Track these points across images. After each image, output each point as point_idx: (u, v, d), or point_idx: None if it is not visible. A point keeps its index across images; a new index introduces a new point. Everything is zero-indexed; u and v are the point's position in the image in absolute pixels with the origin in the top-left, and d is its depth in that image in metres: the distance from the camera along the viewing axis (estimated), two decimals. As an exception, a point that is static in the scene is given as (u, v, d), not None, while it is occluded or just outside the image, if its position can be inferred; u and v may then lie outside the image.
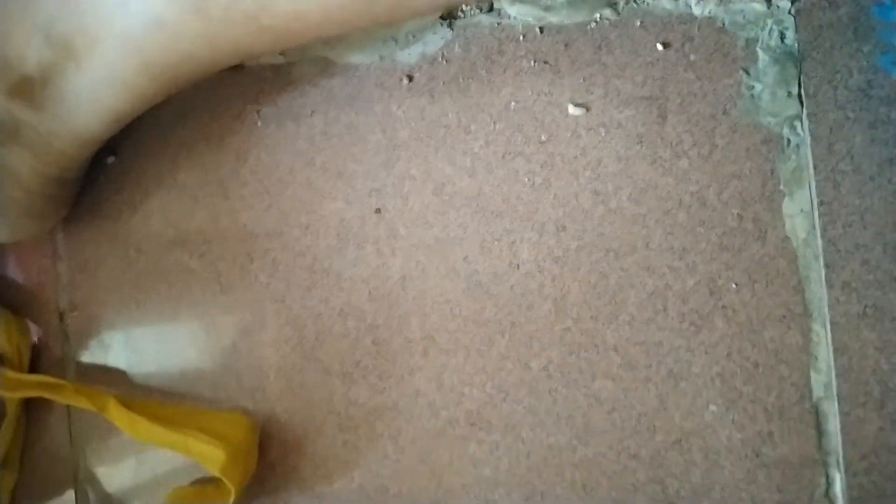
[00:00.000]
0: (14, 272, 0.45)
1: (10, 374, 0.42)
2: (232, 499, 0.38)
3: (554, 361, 0.35)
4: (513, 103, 0.35)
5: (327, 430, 0.39)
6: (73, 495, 0.44)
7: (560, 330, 0.35)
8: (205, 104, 0.40)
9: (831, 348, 0.31)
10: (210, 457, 0.38)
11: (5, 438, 0.44)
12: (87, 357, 0.43)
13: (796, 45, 0.31)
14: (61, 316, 0.44)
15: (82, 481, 0.44)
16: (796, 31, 0.31)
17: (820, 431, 0.32)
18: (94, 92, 0.33)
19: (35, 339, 0.44)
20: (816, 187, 0.31)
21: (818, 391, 0.32)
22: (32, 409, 0.44)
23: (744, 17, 0.32)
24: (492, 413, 0.36)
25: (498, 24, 0.35)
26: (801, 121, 0.31)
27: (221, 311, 0.40)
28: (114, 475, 0.43)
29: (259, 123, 0.39)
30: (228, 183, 0.40)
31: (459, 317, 0.36)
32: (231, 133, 0.39)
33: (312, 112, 0.38)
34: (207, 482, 0.41)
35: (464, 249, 0.36)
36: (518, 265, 0.35)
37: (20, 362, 0.44)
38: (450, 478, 0.37)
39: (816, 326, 0.32)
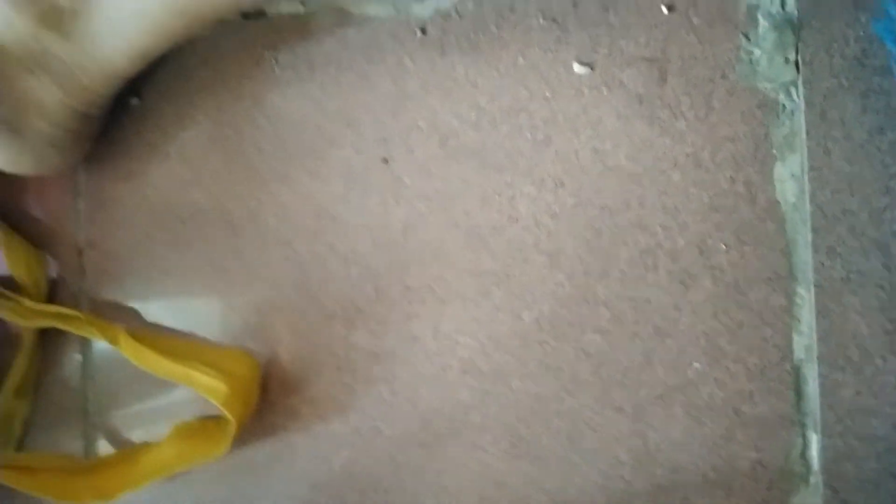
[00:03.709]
0: (36, 207, 0.50)
1: (29, 303, 0.48)
2: (233, 432, 0.42)
3: (545, 314, 0.39)
4: (520, 59, 0.39)
5: (326, 372, 0.44)
6: (83, 425, 0.49)
7: (553, 284, 0.39)
8: (226, 50, 0.45)
9: (814, 311, 0.35)
10: (213, 389, 0.43)
11: (21, 368, 0.50)
12: (101, 292, 0.49)
13: (796, 12, 0.35)
14: (79, 251, 0.50)
15: (91, 413, 0.49)
16: (797, -2, 0.35)
17: (799, 393, 0.36)
18: (122, 26, 0.39)
19: (53, 273, 0.50)
20: (808, 153, 0.35)
21: (799, 353, 0.36)
22: (47, 341, 0.50)
23: (747, -18, 0.36)
24: (483, 362, 0.40)
25: (509, -19, 0.39)
26: (797, 87, 0.35)
27: (230, 251, 0.45)
28: (121, 407, 0.48)
29: (276, 70, 0.44)
30: (243, 126, 0.45)
31: (457, 267, 0.41)
32: (249, 78, 0.44)
33: (327, 61, 0.43)
34: (210, 418, 0.46)
35: (465, 202, 0.40)
36: (516, 219, 0.40)
37: (38, 293, 0.50)
38: (440, 422, 0.41)
39: (801, 289, 0.35)
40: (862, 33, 0.34)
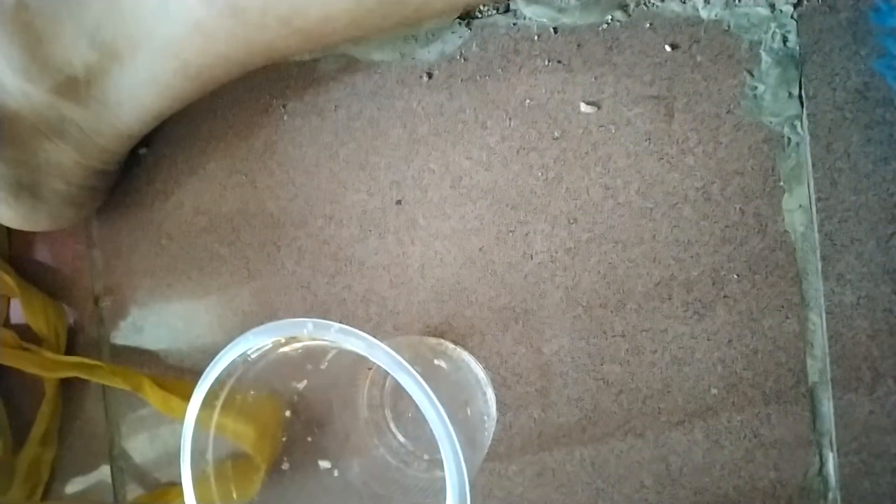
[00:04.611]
0: (51, 258, 0.50)
1: (49, 355, 0.49)
2: (262, 474, 0.43)
3: (565, 347, 0.40)
4: (527, 100, 0.40)
5: (350, 409, 0.44)
6: (109, 469, 0.50)
7: (571, 317, 0.40)
8: (233, 98, 0.45)
9: (826, 336, 0.36)
10: (241, 434, 0.44)
11: (45, 416, 0.50)
12: (120, 339, 0.49)
13: (798, 48, 0.36)
14: (96, 300, 0.50)
15: (117, 456, 0.50)
16: (798, 34, 0.36)
17: (814, 414, 0.37)
18: (136, 92, 0.39)
19: (71, 321, 0.50)
20: (815, 184, 0.36)
21: (813, 376, 0.37)
22: (69, 388, 0.51)
23: (748, 20, 0.36)
24: (506, 394, 0.41)
25: (514, 24, 0.40)
26: (801, 120, 0.36)
27: (249, 295, 0.46)
28: (147, 450, 0.49)
29: (285, 117, 0.44)
30: (256, 173, 0.45)
31: (476, 304, 0.41)
32: (259, 126, 0.45)
33: (336, 107, 0.43)
34: (239, 458, 0.47)
35: (480, 240, 0.41)
36: (531, 255, 0.40)
37: (58, 344, 0.50)
38: (466, 455, 0.42)
39: (813, 316, 0.36)
40: (863, 66, 0.35)
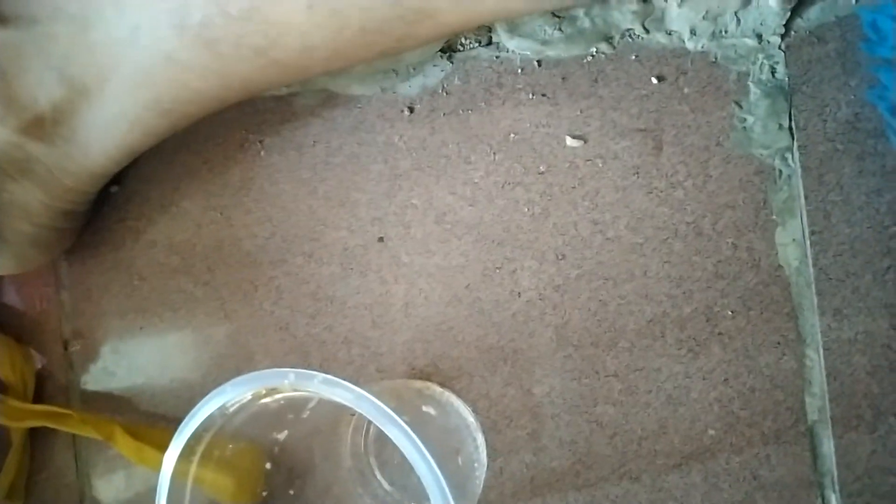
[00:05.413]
0: (17, 301, 0.48)
1: (15, 403, 0.46)
2: (240, 525, 0.41)
3: (556, 388, 0.38)
4: (512, 134, 0.39)
5: (332, 458, 0.42)
6: (80, 523, 0.47)
7: (561, 357, 0.38)
8: (208, 134, 0.44)
9: (824, 373, 0.35)
10: (218, 485, 0.41)
11: (10, 468, 0.48)
12: (91, 384, 0.47)
13: (786, 79, 0.35)
14: (65, 344, 0.48)
15: (89, 509, 0.47)
16: (786, 65, 0.35)
17: (815, 454, 0.36)
18: (105, 128, 0.37)
19: (39, 367, 0.48)
20: (808, 217, 0.35)
21: (812, 415, 0.36)
22: (37, 437, 0.48)
23: (736, 51, 0.36)
24: (496, 439, 0.39)
25: (496, 57, 0.39)
26: (792, 152, 0.35)
27: (226, 337, 0.44)
28: (120, 502, 0.47)
29: (262, 153, 0.43)
30: (232, 211, 0.43)
31: (462, 343, 0.40)
32: (234, 162, 0.43)
33: (315, 142, 0.42)
34: (215, 509, 0.45)
35: (466, 277, 0.40)
36: (519, 293, 0.39)
37: (25, 391, 0.47)
38: (455, 502, 0.40)
39: (810, 352, 0.35)
40: (853, 97, 0.35)
